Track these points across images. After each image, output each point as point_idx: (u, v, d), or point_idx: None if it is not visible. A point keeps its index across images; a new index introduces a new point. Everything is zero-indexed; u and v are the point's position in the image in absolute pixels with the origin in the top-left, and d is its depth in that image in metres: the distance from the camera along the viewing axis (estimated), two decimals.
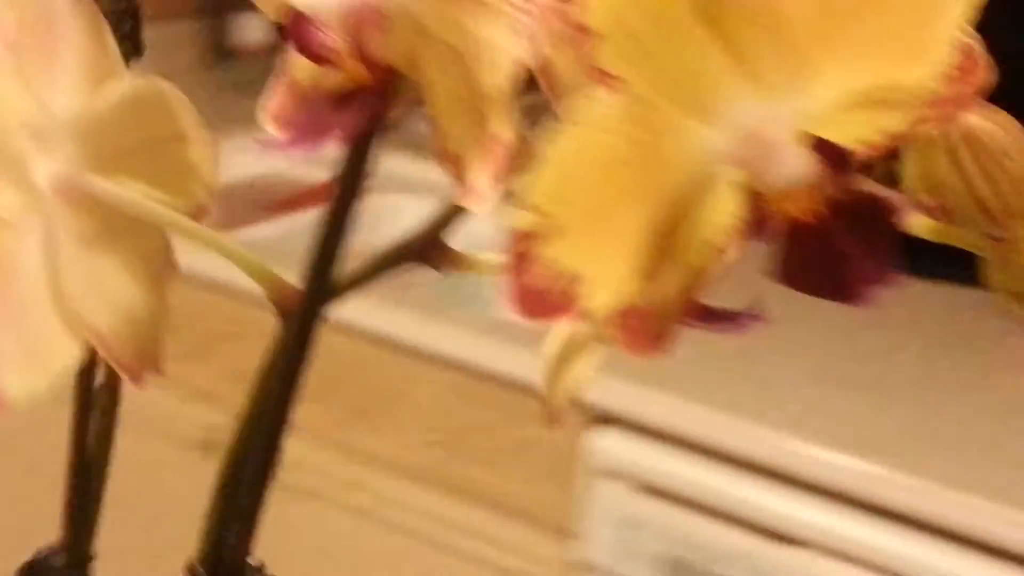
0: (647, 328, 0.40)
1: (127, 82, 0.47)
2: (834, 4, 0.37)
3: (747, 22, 0.37)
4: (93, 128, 0.46)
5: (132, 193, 0.45)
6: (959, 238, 0.46)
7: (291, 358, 0.49)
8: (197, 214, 0.49)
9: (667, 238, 0.39)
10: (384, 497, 1.72)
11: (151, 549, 1.75)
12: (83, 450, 0.70)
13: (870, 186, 0.39)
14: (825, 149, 0.38)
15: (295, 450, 1.66)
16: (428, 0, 0.40)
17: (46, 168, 0.45)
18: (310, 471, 1.71)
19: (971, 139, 0.45)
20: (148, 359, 0.47)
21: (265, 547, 0.55)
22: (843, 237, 0.38)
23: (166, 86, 0.47)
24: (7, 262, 0.43)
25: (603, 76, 0.37)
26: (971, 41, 0.40)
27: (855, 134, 0.39)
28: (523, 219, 0.37)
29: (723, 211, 0.38)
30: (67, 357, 0.45)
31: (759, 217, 0.38)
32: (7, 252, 0.43)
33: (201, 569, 0.56)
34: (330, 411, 1.72)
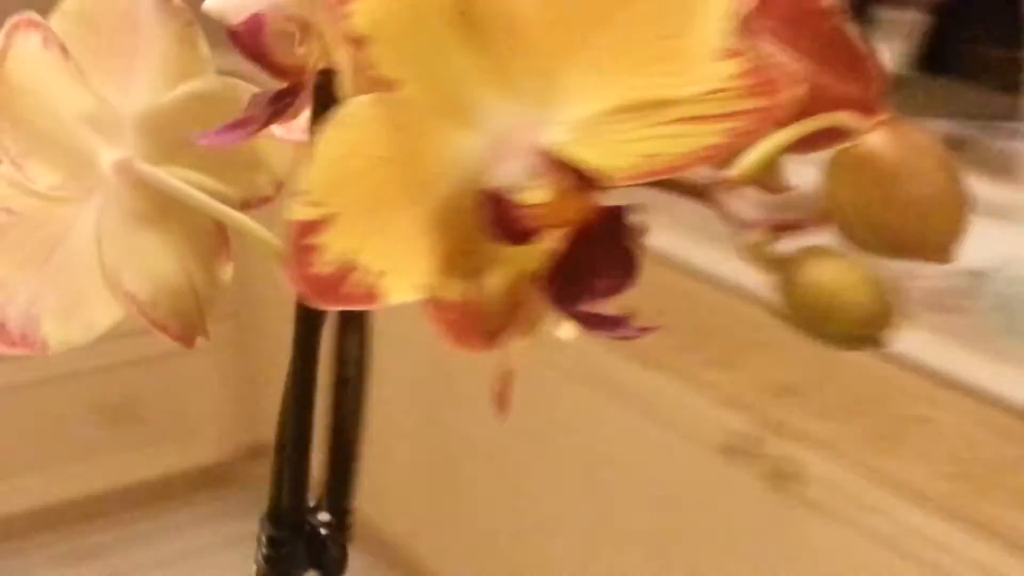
0: (469, 324, 0.41)
1: (203, 79, 0.54)
2: (572, 12, 0.37)
3: (495, 28, 0.38)
4: (160, 121, 0.53)
5: (180, 182, 0.52)
6: None
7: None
8: (258, 203, 0.55)
9: (464, 237, 0.40)
10: (901, 523, 1.67)
11: (657, 537, 1.82)
12: (341, 412, 0.78)
13: (612, 203, 0.38)
14: (567, 165, 0.38)
15: (818, 466, 1.69)
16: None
17: (110, 155, 0.52)
18: (830, 488, 1.70)
19: (868, 162, 0.42)
20: (191, 328, 0.53)
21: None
22: (588, 251, 0.38)
23: (241, 84, 0.54)
24: (61, 231, 0.52)
25: (377, 79, 0.39)
26: (770, 58, 0.38)
27: (622, 151, 0.38)
28: (303, 210, 0.40)
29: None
30: (107, 316, 0.53)
31: (518, 224, 0.39)
32: (63, 222, 0.52)
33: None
34: (854, 431, 1.70)
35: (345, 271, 0.40)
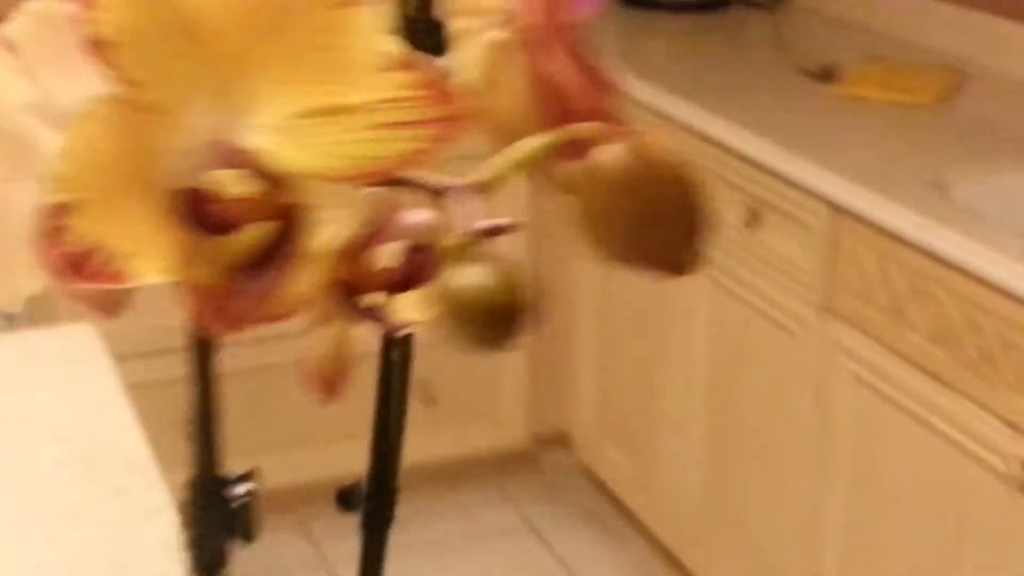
0: (216, 307, 0.44)
1: None
2: (248, 25, 0.40)
3: (203, 40, 0.41)
4: None
5: None
6: None
7: None
8: None
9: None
10: None
11: (930, 562, 1.73)
12: (385, 398, 0.82)
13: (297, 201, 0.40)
14: (257, 164, 0.41)
15: None
16: None
17: (52, 140, 0.58)
18: None
19: (600, 173, 0.42)
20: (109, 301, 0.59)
21: None
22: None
23: None
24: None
25: (123, 80, 0.43)
26: (439, 70, 0.39)
27: (332, 154, 0.41)
28: (53, 194, 0.44)
29: None
30: (31, 285, 0.58)
31: (213, 217, 0.42)
32: (2, 199, 0.58)
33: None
34: None
35: (89, 251, 0.44)
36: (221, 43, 0.41)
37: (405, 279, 0.47)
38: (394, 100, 0.41)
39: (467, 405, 2.66)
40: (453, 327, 0.40)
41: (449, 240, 0.41)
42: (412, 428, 2.54)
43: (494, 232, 0.42)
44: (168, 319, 0.54)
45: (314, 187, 0.47)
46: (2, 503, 1.08)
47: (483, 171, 0.43)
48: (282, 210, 0.41)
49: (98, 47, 0.43)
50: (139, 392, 1.31)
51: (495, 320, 0.40)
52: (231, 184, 0.41)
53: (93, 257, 0.44)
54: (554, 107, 0.46)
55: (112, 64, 0.43)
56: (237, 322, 0.45)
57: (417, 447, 2.55)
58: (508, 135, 0.46)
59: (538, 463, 2.74)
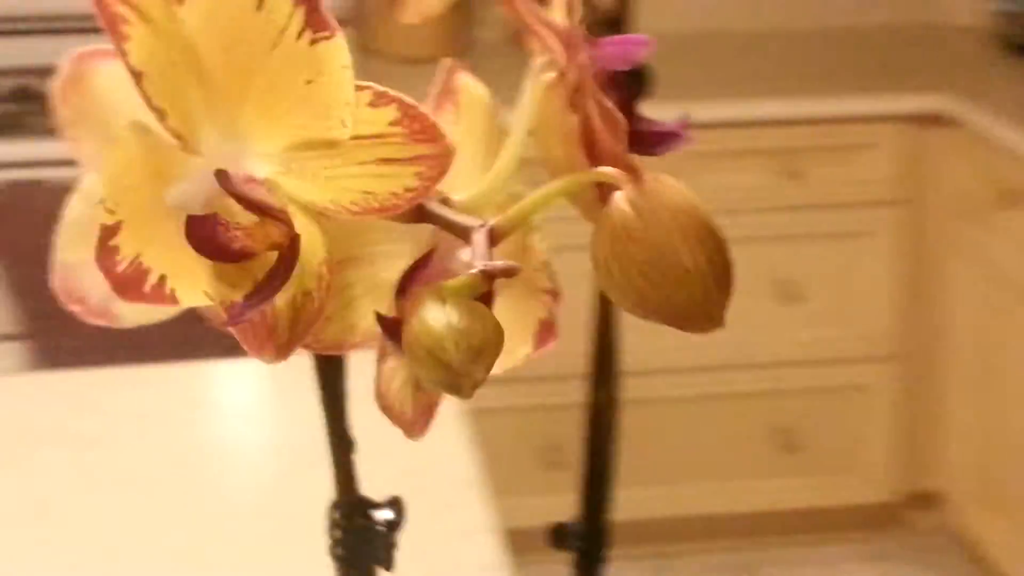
0: (261, 333, 0.46)
1: None
2: (232, 57, 0.41)
3: (206, 68, 0.42)
4: None
5: None
6: None
7: None
8: None
9: None
10: None
11: None
12: (596, 435, 0.82)
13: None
14: (257, 195, 0.41)
15: None
16: None
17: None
18: None
19: (610, 220, 0.40)
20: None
21: None
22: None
23: None
24: None
25: (152, 107, 0.45)
26: (418, 108, 0.39)
27: (339, 188, 0.41)
28: (102, 215, 0.46)
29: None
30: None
31: (221, 245, 0.43)
32: None
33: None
34: None
35: (139, 271, 0.46)
36: (218, 76, 0.42)
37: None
38: (379, 136, 0.40)
39: (831, 455, 2.58)
40: (411, 362, 0.40)
41: (450, 282, 0.41)
42: (773, 474, 2.51)
43: (493, 275, 0.41)
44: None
45: (374, 223, 0.47)
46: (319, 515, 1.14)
47: (503, 216, 0.42)
48: (288, 240, 0.42)
49: (132, 75, 0.44)
50: (482, 416, 1.36)
51: (440, 365, 0.38)
52: (239, 213, 0.42)
53: (146, 277, 0.46)
54: (588, 152, 0.44)
55: (141, 92, 0.44)
56: (285, 348, 0.45)
57: (777, 493, 2.52)
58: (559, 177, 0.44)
59: (904, 522, 2.63)
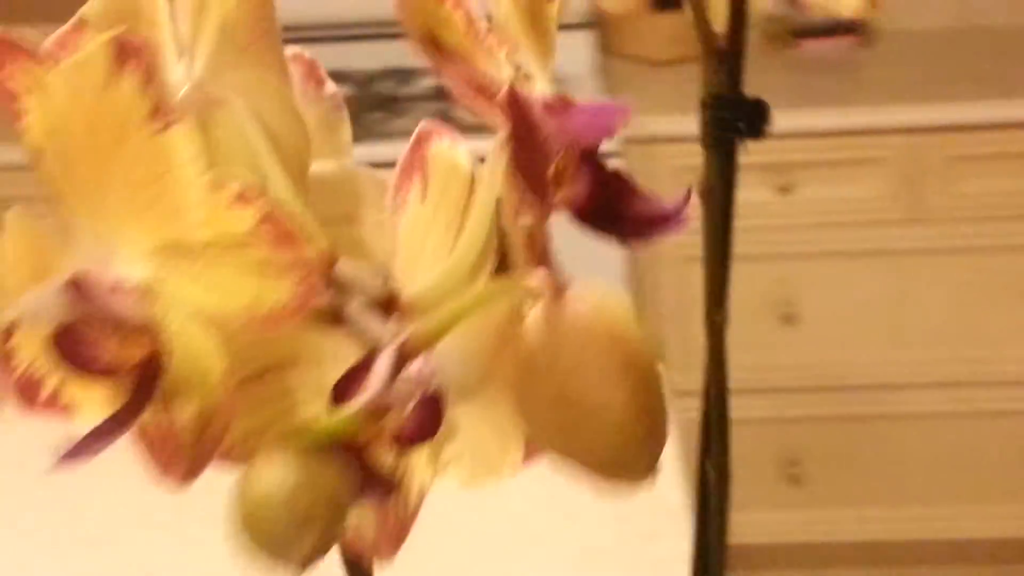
0: (168, 453, 0.40)
1: (336, 164, 0.55)
2: (84, 151, 0.35)
3: (71, 159, 0.36)
4: None
5: None
6: None
7: None
8: None
9: None
10: None
11: None
12: (703, 520, 0.73)
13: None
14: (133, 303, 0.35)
15: None
16: None
17: None
18: None
19: (520, 341, 0.32)
20: None
21: None
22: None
23: (364, 175, 0.54)
24: None
25: (50, 189, 0.39)
26: (276, 208, 0.32)
27: (228, 291, 0.35)
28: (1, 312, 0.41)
29: None
30: None
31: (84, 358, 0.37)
32: None
33: None
34: None
35: (33, 380, 0.40)
36: (80, 165, 0.36)
37: (415, 432, 0.39)
38: (243, 241, 0.33)
39: None
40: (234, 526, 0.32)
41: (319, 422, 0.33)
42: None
43: (380, 411, 0.33)
44: None
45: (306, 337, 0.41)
46: (526, 538, 1.09)
47: (421, 325, 0.35)
48: (144, 352, 0.35)
49: (35, 155, 0.39)
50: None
51: (260, 532, 0.31)
52: (104, 324, 0.36)
53: (40, 387, 0.40)
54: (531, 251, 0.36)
55: (40, 173, 0.38)
56: (193, 469, 0.39)
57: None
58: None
59: None
